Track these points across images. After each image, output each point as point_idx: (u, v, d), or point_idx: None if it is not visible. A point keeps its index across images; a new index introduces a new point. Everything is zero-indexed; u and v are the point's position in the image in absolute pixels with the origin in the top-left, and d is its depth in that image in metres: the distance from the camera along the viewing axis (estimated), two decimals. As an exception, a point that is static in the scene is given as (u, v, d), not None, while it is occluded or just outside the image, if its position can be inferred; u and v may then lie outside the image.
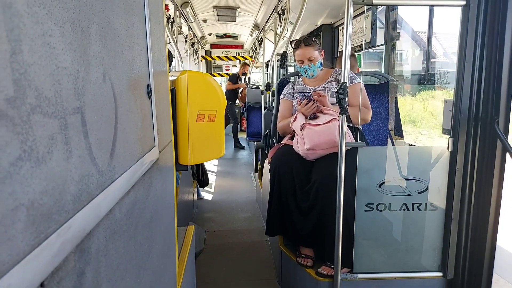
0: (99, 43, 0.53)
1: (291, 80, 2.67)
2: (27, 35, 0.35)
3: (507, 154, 1.53)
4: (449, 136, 1.70)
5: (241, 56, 8.41)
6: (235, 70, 9.25)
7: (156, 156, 0.89)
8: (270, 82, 4.28)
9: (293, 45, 2.22)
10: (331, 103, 2.06)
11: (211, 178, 4.72)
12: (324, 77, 2.27)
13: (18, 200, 0.31)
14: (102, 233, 0.51)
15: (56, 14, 0.41)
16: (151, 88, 0.86)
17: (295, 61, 2.24)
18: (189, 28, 5.56)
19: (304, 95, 2.06)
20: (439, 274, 1.80)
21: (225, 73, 8.81)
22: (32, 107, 0.34)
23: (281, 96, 2.38)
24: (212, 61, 8.87)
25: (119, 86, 0.62)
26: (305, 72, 2.18)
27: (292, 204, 1.95)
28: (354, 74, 2.22)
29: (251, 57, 8.10)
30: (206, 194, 4.07)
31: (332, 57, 4.47)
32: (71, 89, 0.43)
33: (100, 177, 0.51)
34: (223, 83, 10.62)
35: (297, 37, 4.72)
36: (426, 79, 2.62)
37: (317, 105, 2.02)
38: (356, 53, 3.70)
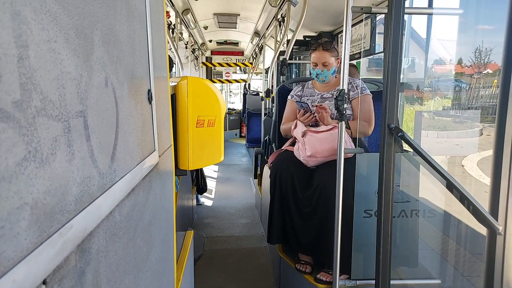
0: (101, 49, 0.55)
1: (294, 86, 2.67)
2: (34, 41, 0.36)
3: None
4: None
5: (242, 63, 8.45)
6: (235, 76, 9.29)
7: (156, 160, 0.90)
8: (270, 88, 4.31)
9: (311, 46, 2.18)
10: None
11: (211, 184, 4.72)
12: (335, 84, 2.24)
13: (22, 199, 0.32)
14: (102, 234, 0.52)
15: (61, 21, 0.42)
16: (151, 93, 0.87)
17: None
18: (190, 34, 5.60)
19: (301, 105, 2.05)
20: (437, 281, 1.80)
21: (225, 80, 8.84)
22: (37, 110, 0.36)
23: (289, 97, 2.36)
24: (213, 67, 8.92)
25: (121, 90, 0.64)
26: (316, 76, 2.17)
27: (294, 209, 1.94)
28: (364, 85, 2.18)
29: (251, 63, 8.14)
30: (206, 200, 4.07)
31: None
32: (74, 93, 0.45)
33: (101, 179, 0.53)
34: (222, 90, 10.65)
35: (298, 45, 4.77)
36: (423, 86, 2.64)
37: (315, 116, 2.02)
38: (355, 61, 3.72)
